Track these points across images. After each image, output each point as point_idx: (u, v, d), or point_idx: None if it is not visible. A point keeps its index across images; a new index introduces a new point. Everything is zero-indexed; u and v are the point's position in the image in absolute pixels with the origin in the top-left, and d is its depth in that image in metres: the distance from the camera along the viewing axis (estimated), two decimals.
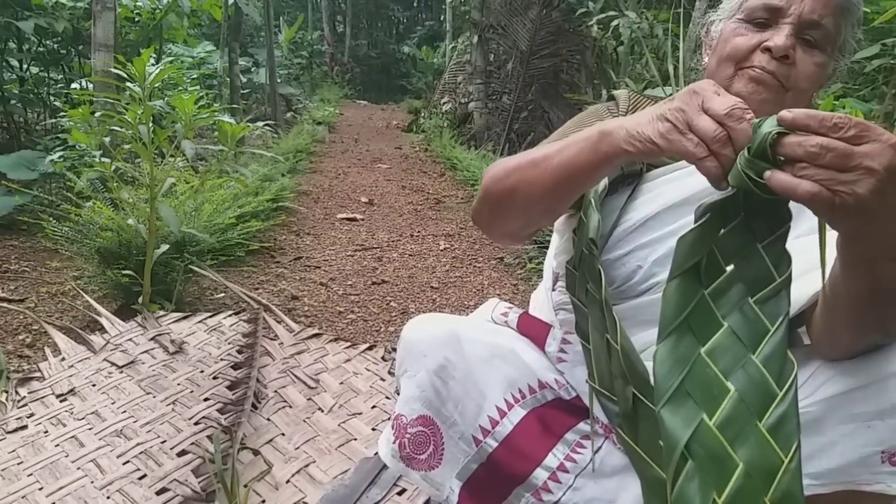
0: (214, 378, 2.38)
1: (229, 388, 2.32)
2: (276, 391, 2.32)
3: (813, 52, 1.11)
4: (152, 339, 2.60)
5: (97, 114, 2.74)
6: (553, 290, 1.40)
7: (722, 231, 0.83)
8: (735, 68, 1.14)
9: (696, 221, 0.84)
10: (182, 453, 1.95)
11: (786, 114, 0.74)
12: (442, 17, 17.57)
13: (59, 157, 3.62)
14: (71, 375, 2.33)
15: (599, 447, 1.22)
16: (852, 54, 1.20)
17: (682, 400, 0.77)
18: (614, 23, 6.03)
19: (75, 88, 5.17)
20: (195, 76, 7.37)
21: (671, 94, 1.29)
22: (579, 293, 1.16)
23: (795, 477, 0.73)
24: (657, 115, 0.86)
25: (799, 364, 1.06)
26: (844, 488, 0.98)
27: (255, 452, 1.98)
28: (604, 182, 1.17)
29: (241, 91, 8.73)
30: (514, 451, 1.20)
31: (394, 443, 1.27)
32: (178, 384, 2.32)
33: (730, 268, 0.82)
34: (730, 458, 0.74)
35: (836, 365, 1.00)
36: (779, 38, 1.09)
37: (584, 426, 1.25)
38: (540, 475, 1.18)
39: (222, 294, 3.34)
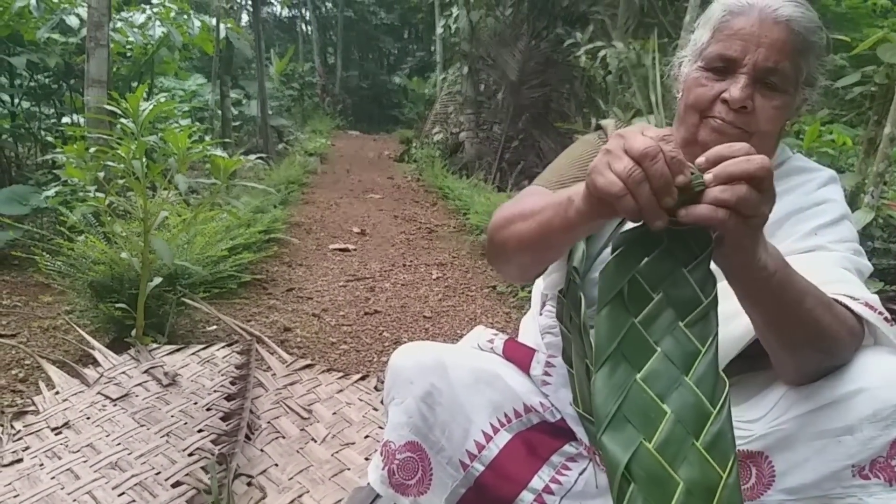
0: (208, 409, 2.39)
1: (223, 419, 2.33)
2: (269, 422, 2.33)
3: (772, 97, 1.15)
4: (146, 371, 2.61)
5: (91, 149, 2.77)
6: (540, 314, 1.43)
7: (646, 259, 0.86)
8: (699, 117, 1.19)
9: (612, 253, 0.87)
10: (177, 484, 1.96)
11: (701, 160, 0.83)
12: (432, 49, 17.73)
13: (54, 193, 3.65)
14: (65, 409, 2.34)
15: (584, 469, 1.24)
16: (823, 81, 1.24)
17: (621, 425, 0.79)
18: (602, 53, 6.11)
19: (66, 123, 5.21)
20: (186, 109, 7.42)
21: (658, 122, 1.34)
22: (566, 320, 1.19)
23: (734, 491, 0.75)
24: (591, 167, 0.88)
25: (772, 385, 1.09)
26: (818, 503, 1.01)
27: (249, 477, 1.99)
28: None
29: (233, 123, 8.78)
30: (500, 474, 1.22)
31: (383, 469, 1.29)
32: (172, 416, 2.33)
33: (659, 295, 0.85)
34: (670, 478, 0.76)
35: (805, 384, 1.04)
36: (735, 89, 1.13)
37: (569, 448, 1.28)
38: (526, 497, 1.21)
39: (214, 326, 3.35)
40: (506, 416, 1.27)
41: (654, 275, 0.86)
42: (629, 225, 0.88)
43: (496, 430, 1.25)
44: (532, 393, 1.33)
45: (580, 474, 1.24)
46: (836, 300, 1.01)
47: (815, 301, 0.95)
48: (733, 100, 1.13)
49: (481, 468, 1.22)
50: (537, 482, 1.22)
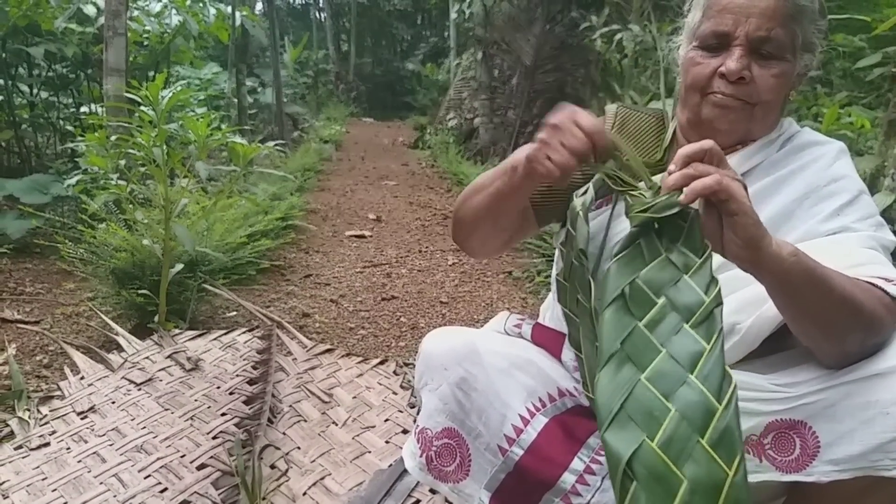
0: (231, 394, 2.42)
1: (245, 403, 2.36)
2: (290, 406, 2.36)
3: (770, 65, 1.16)
4: (169, 356, 2.65)
5: (112, 137, 2.79)
6: (559, 300, 1.44)
7: (646, 267, 0.91)
8: (700, 96, 1.21)
9: (613, 258, 0.93)
10: (201, 466, 1.99)
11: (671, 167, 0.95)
12: (446, 34, 17.65)
13: (76, 181, 3.68)
14: (91, 393, 2.38)
15: None
16: (822, 44, 1.24)
17: (624, 423, 0.79)
18: (618, 36, 6.06)
19: (85, 112, 5.24)
20: (202, 98, 7.44)
21: (674, 107, 1.35)
22: (570, 304, 1.20)
23: (741, 488, 0.75)
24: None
25: (812, 358, 1.10)
26: (864, 474, 1.00)
27: (273, 459, 2.01)
28: (590, 193, 1.22)
29: (249, 111, 8.79)
30: (540, 457, 1.21)
31: (420, 456, 1.29)
32: (196, 400, 2.36)
33: (662, 300, 0.88)
34: (674, 475, 0.75)
35: None
36: (731, 62, 1.15)
37: None
38: (568, 479, 1.20)
39: (234, 312, 3.38)
40: (540, 400, 1.26)
41: (657, 281, 0.89)
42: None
43: (532, 414, 1.24)
44: (564, 377, 1.33)
45: None
46: (872, 283, 1.02)
47: (842, 278, 0.97)
48: (730, 71, 1.14)
49: (520, 452, 1.21)
50: (577, 463, 1.21)
